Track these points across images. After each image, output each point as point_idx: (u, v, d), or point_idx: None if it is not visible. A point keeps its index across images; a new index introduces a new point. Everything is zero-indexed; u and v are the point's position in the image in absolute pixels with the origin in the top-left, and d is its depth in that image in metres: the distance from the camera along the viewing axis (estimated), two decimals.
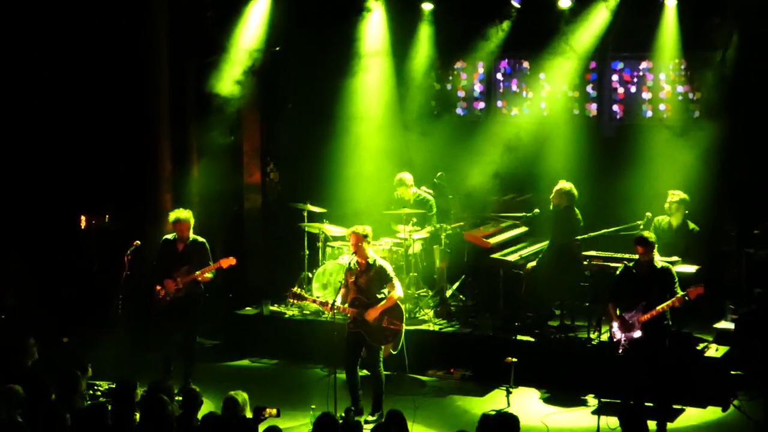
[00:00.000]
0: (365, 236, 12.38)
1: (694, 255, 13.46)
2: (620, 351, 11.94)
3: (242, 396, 9.80)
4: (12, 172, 15.77)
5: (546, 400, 13.24)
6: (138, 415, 9.49)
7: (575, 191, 14.16)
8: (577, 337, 14.05)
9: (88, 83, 15.92)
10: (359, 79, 16.91)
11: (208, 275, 13.23)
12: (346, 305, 12.37)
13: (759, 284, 14.35)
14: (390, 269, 12.51)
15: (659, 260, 12.14)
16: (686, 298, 11.63)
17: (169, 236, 13.45)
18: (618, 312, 12.04)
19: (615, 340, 12.02)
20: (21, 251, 15.66)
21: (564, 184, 14.22)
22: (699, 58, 15.71)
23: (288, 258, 16.50)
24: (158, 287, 13.24)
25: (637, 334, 11.80)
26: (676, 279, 11.94)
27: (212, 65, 16.40)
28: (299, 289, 13.14)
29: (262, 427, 9.45)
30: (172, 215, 13.34)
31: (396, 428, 9.28)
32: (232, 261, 13.34)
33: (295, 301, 13.72)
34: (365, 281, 12.39)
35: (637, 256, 12.18)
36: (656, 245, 12.05)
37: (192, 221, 13.33)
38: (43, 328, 14.19)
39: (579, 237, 13.85)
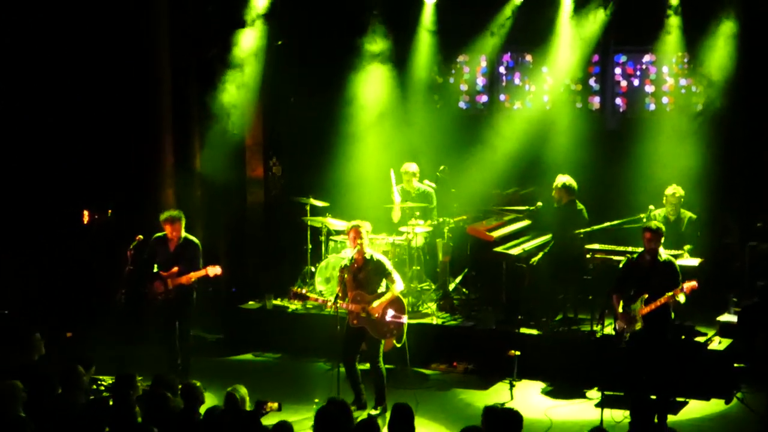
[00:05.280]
0: (365, 231, 12.38)
1: (697, 241, 13.45)
2: (622, 344, 11.93)
3: (242, 390, 9.78)
4: (15, 168, 15.75)
5: (549, 393, 13.22)
6: (139, 410, 9.49)
7: (575, 183, 14.11)
8: (580, 330, 14.05)
9: (90, 79, 15.90)
10: (362, 72, 16.90)
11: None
12: (348, 301, 12.36)
13: (762, 277, 14.34)
14: (388, 263, 12.49)
15: (663, 253, 12.11)
16: (679, 295, 11.58)
17: (161, 234, 13.34)
18: (621, 304, 12.03)
19: (618, 332, 12.02)
20: (24, 246, 15.65)
21: (561, 179, 14.15)
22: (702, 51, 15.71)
23: (291, 252, 16.52)
24: (149, 285, 13.21)
25: (638, 326, 11.79)
26: (679, 272, 11.90)
27: (214, 60, 16.40)
28: (300, 289, 13.07)
29: (265, 421, 9.44)
30: (164, 215, 13.22)
31: (403, 423, 9.21)
32: (218, 271, 13.24)
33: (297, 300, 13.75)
34: (364, 276, 12.37)
35: (640, 249, 12.16)
36: (663, 237, 12.00)
37: (183, 221, 13.21)
38: (46, 323, 14.22)
39: (582, 230, 13.83)
